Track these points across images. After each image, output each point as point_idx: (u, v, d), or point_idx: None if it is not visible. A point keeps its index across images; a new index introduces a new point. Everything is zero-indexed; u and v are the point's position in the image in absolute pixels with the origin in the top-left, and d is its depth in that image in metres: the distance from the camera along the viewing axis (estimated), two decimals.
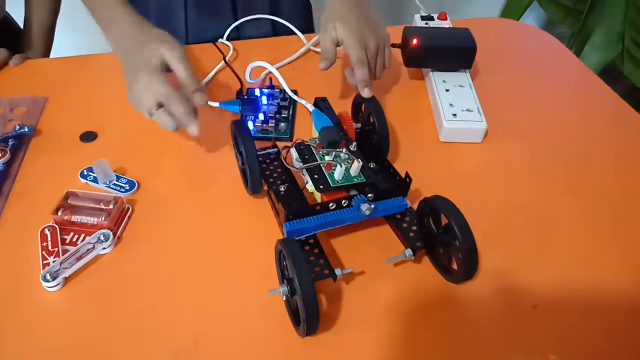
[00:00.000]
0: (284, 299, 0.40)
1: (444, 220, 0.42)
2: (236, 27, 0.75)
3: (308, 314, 0.36)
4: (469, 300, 0.43)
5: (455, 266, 0.43)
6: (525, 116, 0.64)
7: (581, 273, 0.46)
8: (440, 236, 0.43)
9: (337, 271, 0.41)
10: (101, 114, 0.62)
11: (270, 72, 0.66)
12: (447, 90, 0.63)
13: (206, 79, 0.67)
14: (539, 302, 0.43)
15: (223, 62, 0.68)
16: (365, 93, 0.54)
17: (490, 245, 0.46)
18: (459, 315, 0.42)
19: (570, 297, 0.44)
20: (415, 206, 0.46)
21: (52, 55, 0.74)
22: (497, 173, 0.56)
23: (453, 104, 0.61)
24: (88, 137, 0.59)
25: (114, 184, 0.53)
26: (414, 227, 0.45)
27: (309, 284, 0.36)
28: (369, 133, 0.53)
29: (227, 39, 0.74)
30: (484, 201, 0.52)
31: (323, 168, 0.45)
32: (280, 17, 0.77)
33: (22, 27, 0.79)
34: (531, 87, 0.69)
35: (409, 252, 0.43)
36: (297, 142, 0.48)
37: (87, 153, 0.57)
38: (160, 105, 0.49)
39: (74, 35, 1.32)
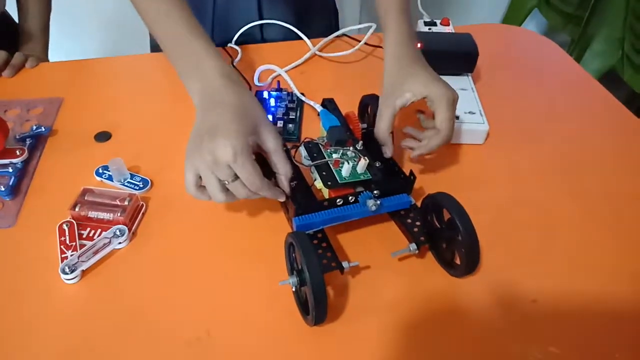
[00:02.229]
0: (293, 290, 0.42)
1: (447, 216, 0.44)
2: (260, 27, 0.78)
3: (317, 302, 0.38)
4: (470, 293, 0.45)
5: (457, 260, 0.45)
6: (526, 119, 0.66)
7: (581, 269, 0.47)
8: (443, 231, 0.45)
9: (344, 264, 0.42)
10: (115, 115, 0.64)
11: (278, 75, 0.68)
12: None
13: None
14: (538, 296, 0.45)
15: (231, 65, 0.70)
16: (415, 155, 0.52)
17: (492, 242, 0.48)
18: (461, 308, 0.44)
19: (569, 291, 0.46)
20: (419, 203, 0.48)
21: (63, 59, 0.76)
22: (499, 173, 0.58)
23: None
24: (102, 136, 0.61)
25: (128, 182, 0.55)
26: (418, 223, 0.47)
27: (318, 274, 0.37)
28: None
29: (250, 38, 0.76)
30: (486, 200, 0.54)
31: (331, 165, 0.47)
32: (304, 21, 0.78)
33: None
34: (532, 91, 0.71)
35: (413, 246, 0.45)
36: (305, 140, 0.50)
37: (102, 152, 0.59)
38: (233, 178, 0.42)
39: (82, 41, 1.35)
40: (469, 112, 0.62)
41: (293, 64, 0.72)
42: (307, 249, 0.39)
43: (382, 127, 0.51)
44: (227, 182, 0.42)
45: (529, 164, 0.59)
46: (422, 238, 0.45)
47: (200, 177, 0.43)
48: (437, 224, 0.46)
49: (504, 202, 0.54)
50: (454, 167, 0.58)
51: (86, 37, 1.30)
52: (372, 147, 0.52)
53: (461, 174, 0.58)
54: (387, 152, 0.52)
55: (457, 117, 0.61)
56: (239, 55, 0.73)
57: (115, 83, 0.71)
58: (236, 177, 0.42)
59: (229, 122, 0.41)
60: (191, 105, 0.46)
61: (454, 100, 0.51)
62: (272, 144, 0.44)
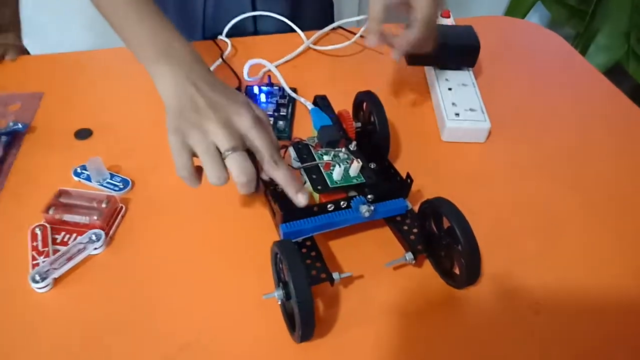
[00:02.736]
0: (279, 303, 0.39)
1: (447, 223, 0.41)
2: (254, 19, 0.74)
3: (303, 320, 0.35)
4: (471, 305, 0.42)
5: (457, 270, 0.42)
6: (529, 116, 0.63)
7: (587, 276, 0.45)
8: (442, 239, 0.42)
9: (335, 275, 0.39)
10: (97, 111, 0.61)
11: (270, 70, 0.65)
12: (449, 88, 0.62)
13: None
14: (543, 307, 0.42)
15: (220, 59, 0.67)
16: (397, 54, 0.49)
17: (493, 248, 0.45)
18: (461, 321, 0.41)
19: (576, 302, 0.43)
20: (416, 208, 0.45)
21: (47, 52, 0.72)
22: (501, 173, 0.55)
23: (456, 103, 0.59)
24: (83, 134, 0.58)
25: (108, 183, 0.51)
26: (415, 230, 0.44)
27: (305, 288, 0.34)
28: (370, 132, 0.51)
29: (243, 31, 0.72)
30: (487, 202, 0.51)
31: (321, 168, 0.44)
32: (300, 13, 0.75)
33: None
34: (536, 86, 0.68)
35: (409, 255, 0.42)
36: (295, 141, 0.47)
37: (82, 150, 0.56)
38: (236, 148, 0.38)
39: (68, 32, 1.31)
40: (470, 109, 0.59)
41: (285, 58, 0.69)
42: (293, 260, 0.35)
43: (375, 10, 0.48)
44: (228, 153, 0.38)
45: (532, 163, 0.56)
46: (419, 247, 0.42)
47: (193, 158, 0.40)
48: (435, 230, 0.43)
49: (506, 203, 0.51)
50: (453, 168, 0.55)
51: (76, 29, 1.26)
52: (366, 147, 0.48)
53: (461, 174, 0.54)
54: (371, 40, 0.49)
55: (457, 115, 0.58)
56: (229, 49, 0.69)
57: (100, 78, 0.67)
58: (244, 147, 0.39)
59: (233, 93, 0.41)
60: None
61: None
62: (263, 116, 0.42)
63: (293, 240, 0.41)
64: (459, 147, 0.58)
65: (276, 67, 0.66)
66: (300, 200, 0.40)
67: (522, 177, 0.54)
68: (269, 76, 0.63)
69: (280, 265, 0.38)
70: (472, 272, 0.40)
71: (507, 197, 0.52)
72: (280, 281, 0.39)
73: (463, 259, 0.39)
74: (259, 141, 0.39)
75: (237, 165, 0.38)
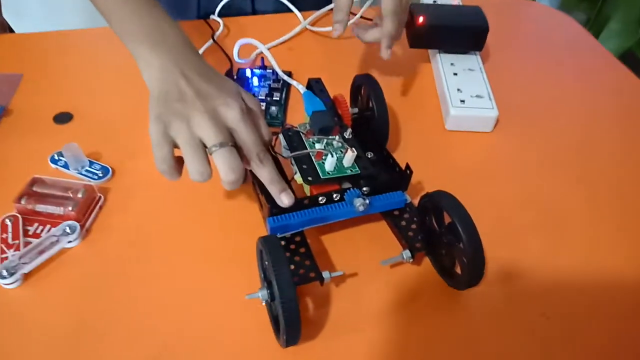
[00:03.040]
0: (263, 303, 0.36)
1: (448, 219, 0.37)
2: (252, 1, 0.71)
3: (288, 323, 0.32)
4: (472, 307, 0.39)
5: (458, 270, 0.38)
6: (540, 103, 0.59)
7: (596, 277, 0.41)
8: (443, 236, 0.38)
9: (325, 274, 0.36)
10: (79, 94, 0.57)
11: (262, 52, 0.61)
12: (455, 74, 0.58)
13: None
14: (549, 309, 0.38)
15: (212, 40, 0.63)
16: (387, 53, 0.49)
17: (498, 245, 0.41)
18: (461, 324, 0.38)
19: (584, 304, 0.39)
20: (416, 202, 0.41)
21: (27, 31, 0.69)
22: (508, 165, 0.51)
23: (461, 89, 0.55)
24: (63, 118, 0.54)
25: (86, 170, 0.48)
26: (414, 226, 0.40)
27: (289, 289, 0.31)
28: (368, 119, 0.48)
29: (240, 11, 0.69)
30: (493, 196, 0.47)
31: (313, 157, 0.40)
32: None
33: None
34: (547, 71, 0.64)
35: (407, 253, 0.38)
36: (286, 127, 0.43)
37: (61, 136, 0.52)
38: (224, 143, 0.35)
39: (51, 11, 1.26)
40: (476, 96, 0.55)
41: (280, 39, 0.65)
42: (277, 258, 0.32)
43: (341, 1, 0.48)
44: (216, 149, 0.34)
45: (542, 154, 0.52)
46: (418, 244, 0.39)
47: (174, 150, 0.36)
48: (436, 226, 0.39)
49: (513, 198, 0.47)
50: (457, 159, 0.52)
51: (64, 8, 1.21)
52: (363, 135, 0.45)
53: (466, 166, 0.51)
54: (336, 31, 0.49)
55: (463, 102, 0.54)
56: (221, 28, 0.66)
57: (83, 59, 0.64)
58: (232, 142, 0.35)
59: (223, 81, 0.38)
60: None
61: None
62: (254, 105, 0.39)
63: (281, 236, 0.38)
64: (464, 137, 0.54)
65: (270, 48, 0.62)
66: (284, 201, 0.37)
67: (531, 169, 0.51)
68: (262, 58, 0.60)
69: (266, 263, 0.35)
70: (474, 272, 0.36)
71: (513, 190, 0.48)
72: (265, 280, 0.36)
73: (465, 258, 0.36)
74: (246, 136, 0.36)
75: (224, 162, 0.34)
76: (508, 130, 0.55)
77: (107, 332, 0.37)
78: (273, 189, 0.37)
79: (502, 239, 0.43)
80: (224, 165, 0.34)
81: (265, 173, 0.36)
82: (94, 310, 0.38)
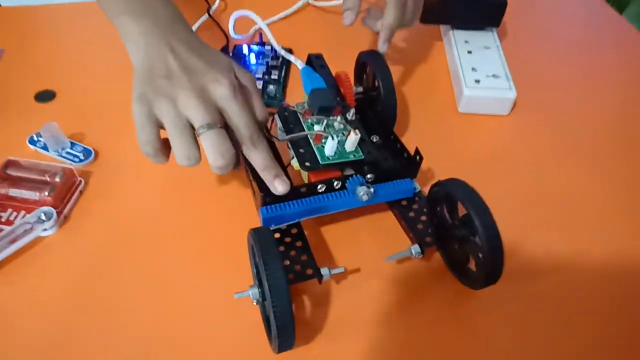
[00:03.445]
0: (255, 303, 0.32)
1: (462, 210, 0.33)
2: None
3: (280, 328, 0.28)
4: (488, 309, 0.35)
5: (473, 267, 0.34)
6: (561, 85, 0.54)
7: (624, 274, 0.37)
8: (456, 228, 0.34)
9: (324, 271, 0.32)
10: (62, 71, 0.53)
11: (261, 27, 0.56)
12: (469, 52, 0.53)
13: None
14: (573, 313, 0.35)
15: (207, 14, 0.59)
16: (383, 47, 0.45)
17: (516, 240, 0.37)
18: (475, 328, 0.34)
19: (610, 309, 0.35)
20: (425, 190, 0.37)
21: (12, 4, 0.64)
22: (527, 151, 0.47)
23: (476, 69, 0.51)
24: (45, 96, 0.50)
25: (67, 153, 0.44)
26: (423, 217, 0.36)
27: (281, 291, 0.27)
28: (373, 99, 0.43)
29: None
30: (510, 185, 0.43)
31: (311, 140, 0.36)
32: None
33: None
34: (569, 49, 0.59)
35: (415, 248, 0.34)
36: (281, 106, 0.39)
37: (42, 115, 0.48)
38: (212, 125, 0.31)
39: None
40: (493, 76, 0.50)
41: (280, 14, 0.60)
42: (268, 253, 0.28)
43: None
44: (203, 130, 0.31)
45: (564, 140, 0.48)
46: (428, 239, 0.35)
47: (159, 131, 0.32)
48: (448, 218, 0.35)
49: (532, 187, 0.43)
50: (471, 144, 0.47)
51: None
52: (368, 117, 0.40)
53: (480, 152, 0.46)
54: (347, 19, 0.45)
55: (478, 82, 0.49)
56: (217, 2, 0.61)
57: (68, 34, 0.59)
58: (221, 123, 0.31)
59: (214, 56, 0.34)
60: None
61: None
62: (249, 82, 0.35)
63: (275, 227, 0.34)
64: (479, 120, 0.49)
65: (270, 24, 0.58)
66: (278, 188, 0.33)
67: (552, 156, 0.46)
68: (260, 34, 0.55)
69: (257, 259, 0.31)
70: (492, 270, 0.32)
71: (531, 179, 0.44)
72: (257, 278, 0.32)
73: (481, 254, 0.32)
74: (236, 116, 0.32)
75: (212, 145, 0.30)
76: (526, 113, 0.50)
77: (84, 331, 0.33)
78: (266, 175, 0.33)
79: (519, 233, 0.39)
80: (212, 149, 0.30)
81: (257, 158, 0.32)
82: (71, 305, 0.34)
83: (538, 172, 0.45)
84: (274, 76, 0.51)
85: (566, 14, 0.66)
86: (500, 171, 0.44)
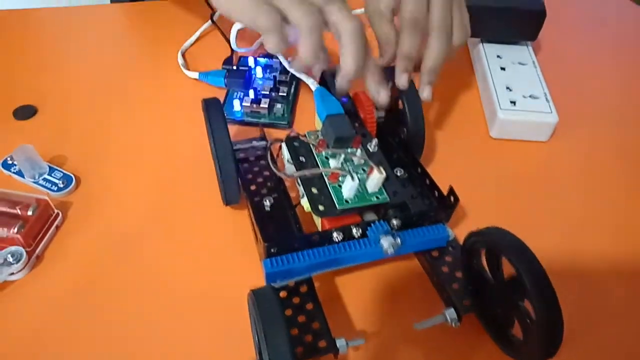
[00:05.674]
0: None
1: (507, 267, 0.27)
2: None
3: None
4: None
5: (518, 333, 0.28)
6: (609, 106, 0.48)
7: None
8: (500, 289, 0.28)
9: (340, 342, 0.26)
10: (45, 84, 0.48)
11: None
12: (502, 68, 0.47)
13: (187, 43, 0.52)
14: None
15: (210, 21, 0.53)
16: (403, 81, 0.35)
17: (562, 280, 0.31)
18: None
19: None
20: (458, 234, 0.31)
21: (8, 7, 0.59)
22: (570, 182, 0.41)
23: (511, 88, 0.45)
24: (24, 112, 0.45)
25: (44, 179, 0.39)
26: (458, 274, 0.30)
27: None
28: (396, 125, 0.38)
29: None
30: (552, 220, 0.37)
31: (326, 179, 0.30)
32: None
33: None
34: (616, 66, 0.53)
35: (451, 314, 0.28)
36: (289, 136, 0.33)
37: (20, 134, 0.43)
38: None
39: None
40: (530, 97, 0.44)
41: None
42: (271, 324, 0.22)
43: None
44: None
45: (612, 168, 0.42)
46: (465, 302, 0.29)
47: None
48: (489, 275, 0.29)
49: (577, 222, 0.38)
50: (507, 174, 0.41)
51: None
52: (390, 146, 0.35)
53: (517, 184, 0.40)
54: (381, 99, 0.34)
55: (514, 103, 0.43)
56: None
57: (51, 43, 0.54)
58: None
59: None
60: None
61: None
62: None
63: (281, 285, 0.28)
64: (514, 147, 0.43)
65: None
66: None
67: (598, 187, 0.40)
68: None
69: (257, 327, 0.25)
70: (549, 346, 0.26)
71: (578, 213, 0.38)
72: (257, 349, 0.26)
73: (536, 326, 0.26)
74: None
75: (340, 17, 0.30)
76: (567, 139, 0.44)
77: None
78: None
79: (573, 279, 0.33)
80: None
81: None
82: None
83: (582, 202, 0.39)
84: (282, 93, 0.46)
85: (609, 29, 0.60)
86: (539, 203, 0.39)
